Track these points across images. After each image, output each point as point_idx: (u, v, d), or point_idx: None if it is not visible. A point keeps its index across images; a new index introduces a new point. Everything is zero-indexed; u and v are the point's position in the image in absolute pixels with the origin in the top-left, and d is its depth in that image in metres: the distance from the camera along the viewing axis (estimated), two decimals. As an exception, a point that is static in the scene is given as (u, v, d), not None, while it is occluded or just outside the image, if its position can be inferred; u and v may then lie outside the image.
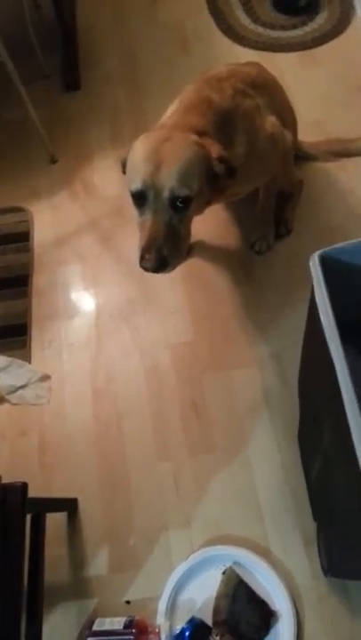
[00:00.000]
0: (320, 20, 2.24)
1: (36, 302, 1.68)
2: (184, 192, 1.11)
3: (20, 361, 1.54)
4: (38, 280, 1.73)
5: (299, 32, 2.23)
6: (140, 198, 1.13)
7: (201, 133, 1.17)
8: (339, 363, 0.77)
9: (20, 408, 1.49)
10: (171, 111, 1.28)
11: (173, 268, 1.18)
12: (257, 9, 2.35)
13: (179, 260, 1.19)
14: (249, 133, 1.28)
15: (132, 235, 1.76)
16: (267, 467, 1.35)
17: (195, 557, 1.24)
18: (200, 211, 1.25)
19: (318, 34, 2.20)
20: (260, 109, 1.35)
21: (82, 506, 1.35)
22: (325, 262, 0.86)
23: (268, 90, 1.41)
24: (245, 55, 2.15)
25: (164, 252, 1.13)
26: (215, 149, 1.15)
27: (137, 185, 1.11)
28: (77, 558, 1.29)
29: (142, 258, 1.13)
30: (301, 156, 1.81)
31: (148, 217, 1.13)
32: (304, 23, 2.25)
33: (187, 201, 1.13)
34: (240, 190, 1.43)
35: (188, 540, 1.29)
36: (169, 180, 1.09)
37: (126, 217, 1.82)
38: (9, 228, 1.83)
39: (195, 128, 1.17)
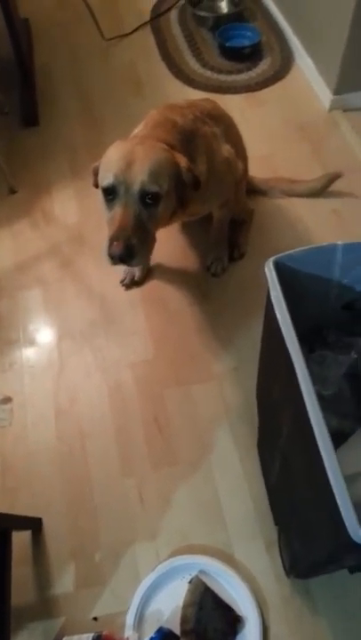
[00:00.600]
0: (263, 66, 2.44)
1: (-3, 326, 1.70)
2: (154, 188, 1.16)
3: (-19, 383, 1.54)
4: (-1, 305, 1.75)
5: (244, 76, 2.41)
6: (110, 193, 1.18)
7: (169, 146, 1.26)
8: (294, 352, 0.85)
9: (-18, 430, 1.49)
10: (138, 130, 1.38)
11: (139, 262, 1.21)
12: (205, 55, 2.53)
13: (144, 256, 1.22)
14: (208, 154, 1.39)
15: (92, 260, 1.84)
16: (228, 476, 1.40)
17: (161, 568, 1.26)
18: (165, 222, 1.31)
19: (262, 78, 2.39)
20: (217, 137, 1.47)
21: (46, 524, 1.35)
22: (278, 269, 0.95)
23: (222, 122, 1.54)
24: (195, 95, 2.31)
25: (132, 240, 1.16)
26: (183, 160, 1.24)
27: (109, 180, 1.17)
28: (43, 577, 1.28)
29: (110, 245, 1.16)
30: (253, 189, 1.94)
31: (118, 210, 1.17)
32: (249, 69, 2.44)
33: (156, 198, 1.18)
34: (199, 209, 1.52)
35: (155, 553, 1.31)
36: (140, 175, 1.15)
37: (86, 244, 1.89)
38: (-31, 254, 1.85)
39: (163, 141, 1.26)
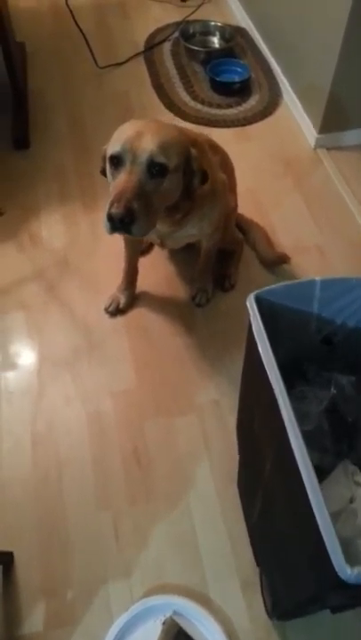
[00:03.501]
0: (252, 102, 2.50)
1: (-23, 350, 1.67)
2: (162, 159, 1.15)
3: None
4: (-20, 328, 1.72)
5: (233, 111, 2.46)
6: (117, 161, 1.16)
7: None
8: (278, 388, 0.85)
9: None
10: None
11: (139, 230, 1.15)
12: (196, 88, 2.58)
13: (145, 226, 1.17)
14: (211, 171, 1.38)
15: (77, 285, 1.83)
16: (206, 513, 1.38)
17: (134, 609, 1.22)
18: (169, 201, 1.25)
19: (250, 113, 2.45)
20: (215, 164, 1.48)
21: (18, 557, 1.30)
22: (260, 303, 0.97)
23: (219, 154, 1.56)
24: (185, 127, 2.35)
25: (133, 205, 1.12)
26: (194, 150, 1.24)
27: (116, 148, 1.16)
28: (12, 615, 1.24)
29: (111, 205, 1.12)
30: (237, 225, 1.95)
31: (123, 176, 1.15)
32: (238, 104, 2.49)
33: (162, 170, 1.16)
34: (192, 225, 1.46)
35: (128, 591, 1.27)
36: (149, 145, 1.14)
37: (72, 268, 1.88)
38: None
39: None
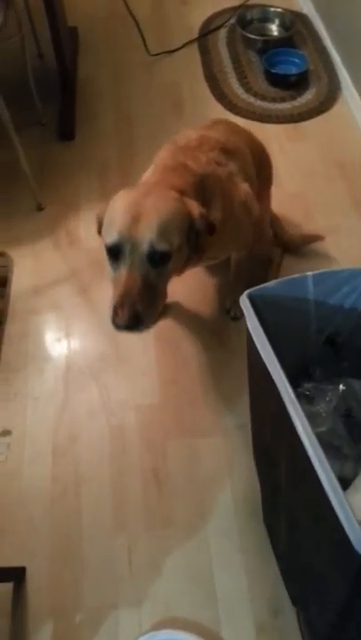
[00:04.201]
0: (308, 96, 2.34)
1: (5, 351, 1.65)
2: (163, 247, 1.06)
3: (-19, 413, 1.50)
4: (10, 328, 1.70)
5: (287, 105, 2.32)
6: (115, 252, 1.08)
7: (181, 192, 1.15)
8: (280, 380, 0.81)
9: (-25, 464, 1.44)
10: (147, 174, 1.29)
11: (147, 327, 1.11)
12: (250, 79, 2.44)
13: (153, 320, 1.12)
14: (224, 198, 1.29)
15: (109, 289, 1.76)
16: (225, 547, 1.31)
17: (142, 641, 1.19)
18: (178, 271, 1.22)
19: (305, 109, 2.29)
20: (233, 176, 1.36)
21: (29, 575, 1.29)
22: (256, 305, 0.93)
23: (239, 154, 1.42)
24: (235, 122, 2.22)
25: (138, 308, 1.06)
26: (195, 206, 1.14)
27: (113, 238, 1.07)
28: (19, 633, 1.22)
29: (115, 314, 1.07)
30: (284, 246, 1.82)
31: (123, 272, 1.07)
32: (293, 97, 2.34)
33: (165, 257, 1.08)
34: (216, 255, 1.44)
35: (137, 621, 1.23)
36: (148, 234, 1.05)
37: (106, 271, 1.82)
38: (-13, 272, 1.82)
39: (175, 187, 1.16)
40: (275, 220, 1.80)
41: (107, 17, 2.81)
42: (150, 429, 1.50)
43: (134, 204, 1.08)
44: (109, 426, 1.52)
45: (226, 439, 1.48)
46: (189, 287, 1.76)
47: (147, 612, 1.24)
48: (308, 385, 1.11)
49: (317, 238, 1.80)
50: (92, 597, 1.26)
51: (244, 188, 1.39)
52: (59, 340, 1.69)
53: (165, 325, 1.69)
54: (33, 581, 1.28)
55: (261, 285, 0.95)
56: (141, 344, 1.66)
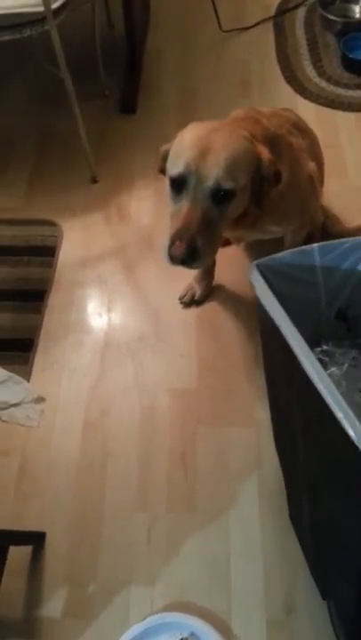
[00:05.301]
0: (386, 84, 2.21)
1: (47, 320, 1.67)
2: (229, 184, 1.05)
3: (18, 377, 1.52)
4: (54, 298, 1.72)
5: (361, 93, 2.20)
6: (179, 184, 1.07)
7: (252, 136, 1.13)
8: (297, 344, 0.79)
9: (8, 426, 1.47)
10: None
11: (203, 263, 1.12)
12: (324, 62, 2.33)
13: (210, 257, 1.13)
14: (292, 166, 1.25)
15: (155, 268, 1.76)
16: (245, 539, 1.29)
17: (151, 620, 1.19)
18: (234, 225, 1.18)
19: (381, 98, 2.17)
20: (303, 150, 1.33)
21: (49, 541, 1.31)
22: (267, 279, 0.91)
23: (308, 137, 1.40)
24: (303, 107, 2.14)
25: (197, 241, 1.05)
26: (265, 151, 1.12)
27: (179, 169, 1.06)
28: (34, 595, 1.25)
29: (172, 244, 1.06)
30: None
31: (185, 205, 1.06)
32: (369, 85, 2.22)
33: (229, 195, 1.07)
34: (273, 222, 1.36)
35: (149, 600, 1.24)
36: (215, 169, 1.04)
37: (154, 249, 1.81)
38: (37, 240, 1.84)
39: (246, 129, 1.14)
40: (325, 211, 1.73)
41: (181, -11, 2.74)
42: (182, 413, 1.49)
43: (204, 138, 1.07)
44: (141, 405, 1.51)
45: (258, 431, 1.44)
46: (236, 271, 1.71)
47: (159, 593, 1.24)
48: (321, 348, 1.12)
49: None
50: (108, 570, 1.27)
51: (313, 165, 1.35)
52: (100, 314, 1.69)
53: (209, 309, 1.66)
54: (51, 548, 1.30)
55: (270, 256, 0.94)
56: (182, 326, 1.64)
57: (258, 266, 0.93)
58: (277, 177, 1.14)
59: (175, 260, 1.07)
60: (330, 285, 1.03)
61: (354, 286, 1.03)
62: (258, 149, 1.11)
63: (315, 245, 0.98)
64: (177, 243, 1.05)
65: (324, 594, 1.18)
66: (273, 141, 1.19)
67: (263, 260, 0.94)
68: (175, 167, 1.07)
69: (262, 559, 1.27)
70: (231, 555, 1.28)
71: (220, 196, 1.06)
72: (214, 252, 1.14)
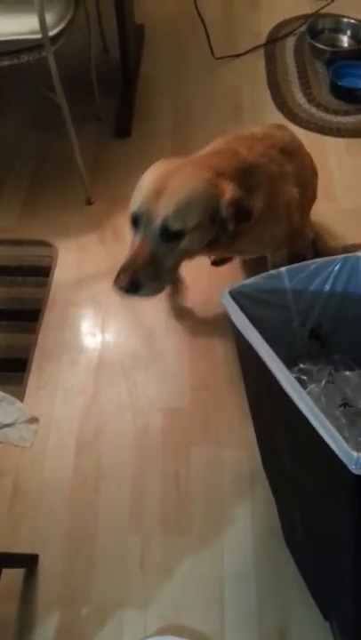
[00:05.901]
0: (373, 112, 2.28)
1: (42, 340, 1.68)
2: (177, 225, 1.11)
3: (12, 398, 1.52)
4: (48, 318, 1.73)
5: (350, 119, 2.26)
6: (135, 221, 1.16)
7: (219, 174, 1.17)
8: (274, 364, 0.80)
9: (1, 447, 1.46)
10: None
11: (146, 295, 1.19)
12: (314, 89, 2.40)
13: (152, 291, 1.19)
14: (269, 193, 1.28)
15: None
16: (238, 564, 1.29)
17: (145, 644, 1.18)
18: (203, 252, 1.25)
19: (370, 124, 2.24)
20: (286, 177, 1.36)
21: (42, 563, 1.30)
22: (240, 303, 0.93)
23: (298, 158, 1.43)
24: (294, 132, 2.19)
25: (139, 276, 1.13)
26: (230, 190, 1.15)
27: (134, 207, 1.15)
28: (26, 619, 1.24)
29: (117, 276, 1.15)
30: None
31: (137, 240, 1.15)
32: (358, 111, 2.28)
33: (178, 235, 1.12)
34: (249, 248, 1.43)
35: (143, 623, 1.23)
36: (164, 211, 1.10)
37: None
38: (32, 260, 1.85)
39: (213, 167, 1.18)
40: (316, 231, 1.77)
41: (175, 16, 2.82)
42: (176, 433, 1.50)
43: (162, 178, 1.13)
44: (135, 424, 1.52)
45: (252, 453, 1.45)
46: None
47: (153, 615, 1.23)
48: (298, 367, 1.13)
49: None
50: (101, 593, 1.27)
51: (292, 192, 1.38)
52: (94, 334, 1.71)
53: (201, 328, 1.68)
54: (45, 570, 1.29)
55: (240, 282, 0.98)
56: (176, 346, 1.65)
57: (230, 292, 0.96)
58: (246, 214, 1.18)
59: (119, 289, 1.16)
60: (301, 306, 1.07)
61: (323, 305, 1.07)
62: (220, 189, 1.14)
63: (283, 269, 1.02)
64: (121, 276, 1.14)
65: (325, 614, 1.19)
66: (249, 173, 1.23)
67: (235, 286, 0.98)
68: (133, 205, 1.15)
69: (255, 582, 1.27)
70: (224, 578, 1.28)
71: (169, 236, 1.12)
72: (161, 286, 1.21)
